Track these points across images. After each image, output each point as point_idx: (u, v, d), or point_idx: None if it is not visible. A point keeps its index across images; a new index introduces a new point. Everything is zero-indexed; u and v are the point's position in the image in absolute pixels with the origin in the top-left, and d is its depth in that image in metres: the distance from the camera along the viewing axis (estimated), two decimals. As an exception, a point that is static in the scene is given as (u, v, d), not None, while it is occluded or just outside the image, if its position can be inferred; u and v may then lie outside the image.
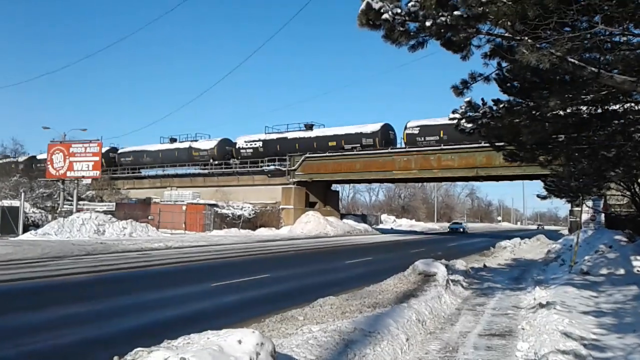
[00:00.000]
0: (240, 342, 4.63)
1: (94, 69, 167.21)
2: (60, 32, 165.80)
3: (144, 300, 11.60)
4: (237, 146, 54.68)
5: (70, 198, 40.63)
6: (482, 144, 37.58)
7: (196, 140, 59.29)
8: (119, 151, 64.57)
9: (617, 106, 10.15)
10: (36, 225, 35.46)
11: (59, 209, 39.99)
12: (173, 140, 61.61)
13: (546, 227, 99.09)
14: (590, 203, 25.13)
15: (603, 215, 27.00)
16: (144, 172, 61.16)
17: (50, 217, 39.08)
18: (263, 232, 42.98)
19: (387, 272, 14.26)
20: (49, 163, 39.41)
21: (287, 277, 16.07)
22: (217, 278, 14.88)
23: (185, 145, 58.81)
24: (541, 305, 9.48)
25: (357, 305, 9.48)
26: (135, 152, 62.79)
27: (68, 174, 38.67)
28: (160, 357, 4.25)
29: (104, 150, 61.72)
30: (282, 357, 5.31)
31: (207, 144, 57.23)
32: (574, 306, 9.47)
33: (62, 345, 7.72)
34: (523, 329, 8.45)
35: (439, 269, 12.78)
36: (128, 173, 61.84)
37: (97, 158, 38.72)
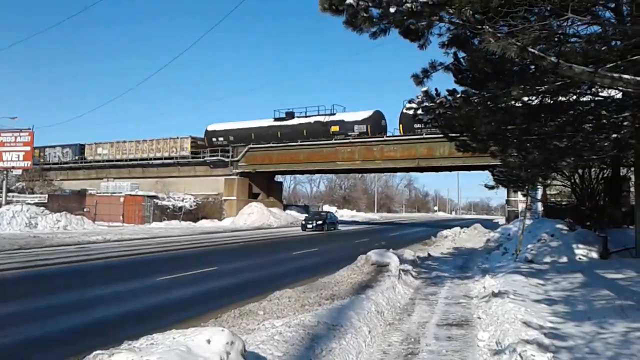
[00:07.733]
0: (209, 341, 4.36)
1: (23, 58, 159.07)
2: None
3: (88, 297, 11.00)
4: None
5: (-2, 190, 38.50)
6: (424, 136, 38.11)
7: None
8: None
9: (566, 98, 10.38)
10: (-39, 219, 33.38)
11: (-13, 201, 37.88)
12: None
13: (480, 217, 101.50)
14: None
15: (540, 204, 27.89)
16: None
17: (-23, 209, 36.95)
18: (205, 224, 42.20)
19: (336, 262, 14.32)
20: (-25, 153, 37.25)
21: (236, 270, 15.73)
22: (163, 272, 14.37)
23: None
24: (494, 294, 9.57)
25: (314, 297, 9.32)
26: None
27: (-4, 164, 36.70)
28: (123, 360, 3.92)
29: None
30: (248, 355, 5.05)
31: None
32: (525, 294, 9.59)
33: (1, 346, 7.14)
34: (479, 318, 8.50)
35: (392, 259, 12.78)
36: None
37: (28, 148, 37.03)
